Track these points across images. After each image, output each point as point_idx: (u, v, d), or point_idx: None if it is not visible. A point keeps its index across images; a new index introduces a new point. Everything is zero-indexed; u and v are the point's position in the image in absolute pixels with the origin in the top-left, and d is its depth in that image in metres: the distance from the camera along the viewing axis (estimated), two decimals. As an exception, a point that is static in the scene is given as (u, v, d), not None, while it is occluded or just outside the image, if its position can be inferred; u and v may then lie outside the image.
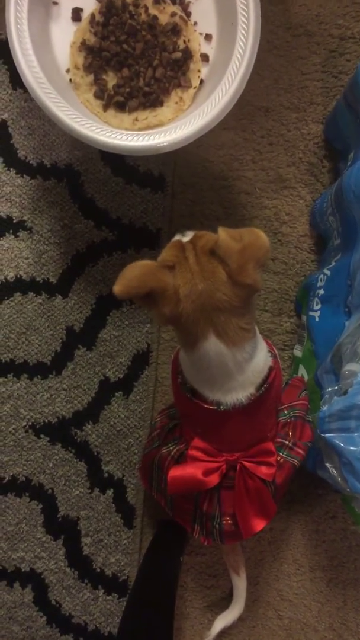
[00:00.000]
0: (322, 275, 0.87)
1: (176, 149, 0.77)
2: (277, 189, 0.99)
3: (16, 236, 0.98)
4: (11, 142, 0.98)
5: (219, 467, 0.69)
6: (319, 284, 0.87)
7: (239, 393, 0.66)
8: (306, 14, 0.99)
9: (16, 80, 0.99)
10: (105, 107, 0.83)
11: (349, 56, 0.99)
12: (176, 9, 0.83)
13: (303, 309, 0.94)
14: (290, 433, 0.76)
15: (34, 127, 0.99)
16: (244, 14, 0.77)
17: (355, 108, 0.84)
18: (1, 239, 0.98)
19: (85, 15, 0.83)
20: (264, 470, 0.70)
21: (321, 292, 0.86)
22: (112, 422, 0.98)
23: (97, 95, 0.83)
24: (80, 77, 0.83)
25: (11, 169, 0.98)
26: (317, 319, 0.86)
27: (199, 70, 0.83)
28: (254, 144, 0.99)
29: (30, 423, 0.98)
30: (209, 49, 0.84)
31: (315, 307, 0.86)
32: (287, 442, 0.75)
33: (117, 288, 0.58)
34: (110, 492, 0.97)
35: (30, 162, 0.99)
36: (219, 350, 0.62)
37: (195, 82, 0.83)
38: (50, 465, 0.98)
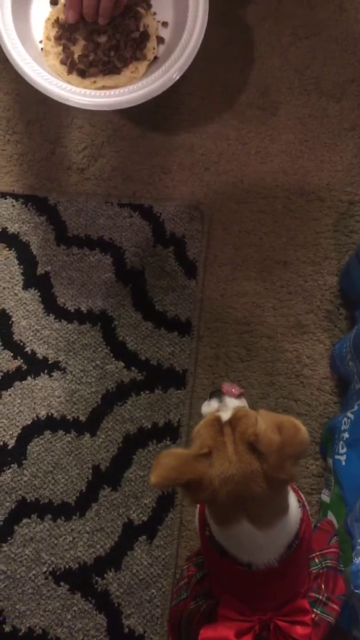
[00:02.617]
0: (345, 419, 0.88)
1: (127, 107, 0.94)
2: (297, 334, 1.05)
3: (50, 376, 1.04)
4: (52, 290, 1.08)
5: (251, 628, 0.65)
6: (343, 427, 0.88)
7: (269, 556, 0.65)
8: (318, 183, 1.13)
9: (60, 238, 1.11)
10: (69, 72, 0.99)
11: (358, 217, 1.11)
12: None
13: (328, 451, 0.94)
14: (323, 586, 0.73)
15: (73, 278, 1.09)
16: (194, 6, 0.97)
17: (367, 264, 0.92)
18: (36, 378, 1.04)
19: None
20: (299, 631, 0.66)
21: (346, 435, 0.87)
22: (134, 570, 0.94)
23: (63, 62, 0.99)
24: (50, 47, 1.00)
25: (50, 314, 1.07)
26: (343, 463, 0.86)
27: (154, 48, 1.01)
28: (274, 293, 1.07)
29: (50, 569, 0.95)
30: (165, 33, 1.03)
31: (341, 451, 0.87)
32: (320, 597, 0.72)
33: (154, 479, 0.58)
34: (130, 651, 0.91)
35: (68, 308, 1.07)
36: (251, 532, 0.62)
37: (150, 56, 1.00)
38: (69, 617, 0.93)
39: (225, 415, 0.64)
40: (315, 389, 1.02)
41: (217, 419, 0.64)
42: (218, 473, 0.60)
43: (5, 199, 1.13)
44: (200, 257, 1.09)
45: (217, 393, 0.71)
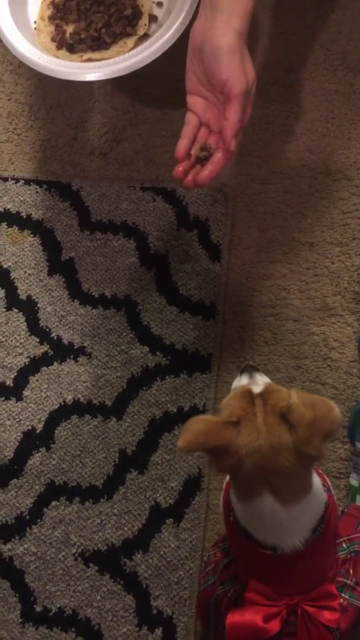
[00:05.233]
0: (374, 402, 0.87)
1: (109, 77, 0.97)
2: (324, 317, 1.03)
3: (76, 361, 1.04)
4: (77, 276, 1.09)
5: (279, 612, 0.65)
6: (372, 410, 0.87)
7: (294, 538, 0.64)
8: (345, 161, 1.10)
9: (84, 223, 1.11)
10: (58, 47, 1.02)
11: (387, 196, 1.07)
12: None
13: (357, 435, 0.92)
14: (351, 571, 0.72)
15: (97, 264, 1.09)
16: None
17: None
18: (62, 363, 1.05)
19: None
20: (327, 616, 0.65)
21: (375, 419, 0.85)
22: (162, 552, 0.95)
23: (53, 39, 1.03)
24: (44, 26, 1.04)
25: (75, 300, 1.07)
26: (372, 447, 0.85)
27: (145, 24, 1.02)
28: (300, 275, 1.05)
29: (80, 550, 0.96)
30: (159, 12, 1.05)
31: (370, 435, 0.86)
32: (348, 582, 0.71)
33: (181, 443, 0.59)
34: (159, 632, 0.92)
35: (93, 293, 1.07)
36: (273, 507, 0.62)
37: (140, 32, 1.02)
38: (98, 597, 0.94)
39: (257, 389, 0.64)
40: (343, 372, 1.00)
41: (248, 391, 0.63)
42: (246, 442, 0.59)
43: (29, 185, 1.13)
44: (224, 240, 1.07)
45: (248, 368, 0.70)
